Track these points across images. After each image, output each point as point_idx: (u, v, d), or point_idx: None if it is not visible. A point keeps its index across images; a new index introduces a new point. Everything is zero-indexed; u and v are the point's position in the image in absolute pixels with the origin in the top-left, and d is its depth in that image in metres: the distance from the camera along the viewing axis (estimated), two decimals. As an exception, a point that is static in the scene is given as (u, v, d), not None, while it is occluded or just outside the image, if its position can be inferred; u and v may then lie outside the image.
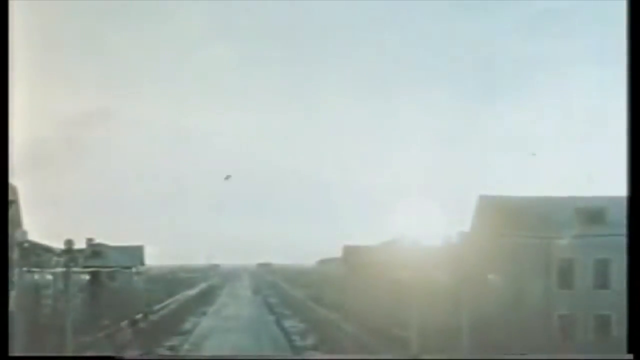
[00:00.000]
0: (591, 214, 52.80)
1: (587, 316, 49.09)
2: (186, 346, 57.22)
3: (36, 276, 42.43)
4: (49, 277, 49.99)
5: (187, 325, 73.62)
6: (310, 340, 59.97)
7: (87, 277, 64.43)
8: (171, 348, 54.98)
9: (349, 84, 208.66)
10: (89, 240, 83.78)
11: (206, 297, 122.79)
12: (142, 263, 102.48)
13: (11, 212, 27.75)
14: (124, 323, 61.60)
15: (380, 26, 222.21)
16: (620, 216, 45.30)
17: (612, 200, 48.96)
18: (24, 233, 27.44)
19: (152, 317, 72.85)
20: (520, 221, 53.24)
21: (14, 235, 25.35)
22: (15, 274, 24.87)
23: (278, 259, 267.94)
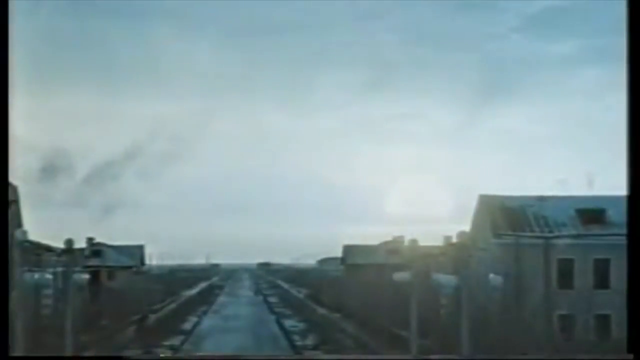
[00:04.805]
0: (591, 214, 52.85)
1: (587, 316, 49.08)
2: (186, 345, 57.21)
3: (36, 276, 42.38)
4: (49, 276, 49.93)
5: (187, 325, 73.58)
6: (310, 340, 59.98)
7: (87, 276, 64.33)
8: (171, 347, 54.96)
9: (347, 84, 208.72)
10: (89, 240, 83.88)
11: (206, 297, 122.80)
12: (142, 263, 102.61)
13: (11, 212, 27.72)
14: (124, 323, 61.57)
15: (380, 25, 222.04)
16: (620, 216, 45.44)
17: (612, 200, 49.02)
18: (24, 233, 27.39)
19: (152, 317, 72.79)
20: (520, 221, 53.28)
21: (14, 235, 25.34)
22: (16, 274, 24.87)
23: (278, 259, 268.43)
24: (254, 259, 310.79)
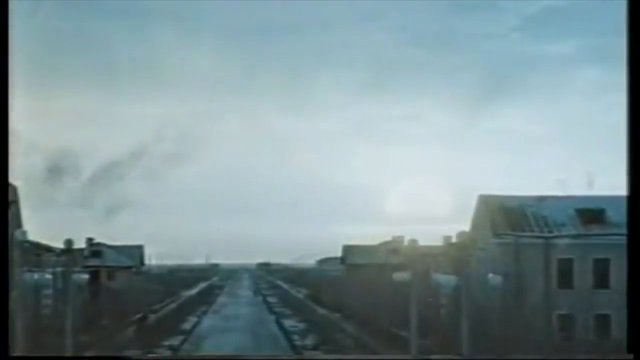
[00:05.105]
0: (591, 214, 52.85)
1: (587, 316, 49.09)
2: (186, 345, 57.20)
3: (36, 276, 42.43)
4: (49, 276, 49.96)
5: (187, 325, 73.58)
6: (310, 340, 59.98)
7: (86, 276, 64.36)
8: (171, 347, 54.95)
9: (345, 85, 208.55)
10: (89, 240, 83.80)
11: (206, 297, 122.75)
12: (141, 263, 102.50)
13: (11, 212, 27.73)
14: (124, 323, 61.57)
15: (379, 25, 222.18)
16: (620, 216, 45.45)
17: (612, 200, 49.02)
18: (24, 233, 27.42)
19: (152, 317, 72.80)
20: (520, 221, 53.27)
21: (14, 235, 25.37)
22: (16, 274, 24.91)
23: (278, 259, 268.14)
24: (254, 259, 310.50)
